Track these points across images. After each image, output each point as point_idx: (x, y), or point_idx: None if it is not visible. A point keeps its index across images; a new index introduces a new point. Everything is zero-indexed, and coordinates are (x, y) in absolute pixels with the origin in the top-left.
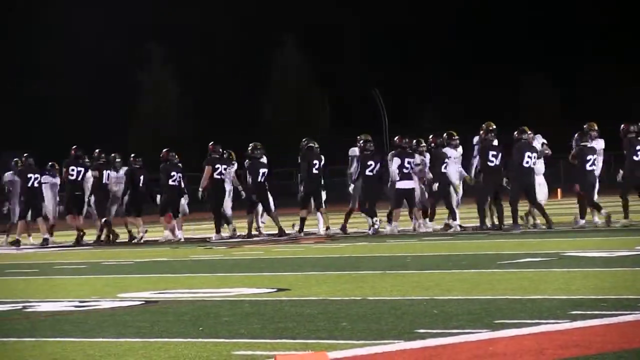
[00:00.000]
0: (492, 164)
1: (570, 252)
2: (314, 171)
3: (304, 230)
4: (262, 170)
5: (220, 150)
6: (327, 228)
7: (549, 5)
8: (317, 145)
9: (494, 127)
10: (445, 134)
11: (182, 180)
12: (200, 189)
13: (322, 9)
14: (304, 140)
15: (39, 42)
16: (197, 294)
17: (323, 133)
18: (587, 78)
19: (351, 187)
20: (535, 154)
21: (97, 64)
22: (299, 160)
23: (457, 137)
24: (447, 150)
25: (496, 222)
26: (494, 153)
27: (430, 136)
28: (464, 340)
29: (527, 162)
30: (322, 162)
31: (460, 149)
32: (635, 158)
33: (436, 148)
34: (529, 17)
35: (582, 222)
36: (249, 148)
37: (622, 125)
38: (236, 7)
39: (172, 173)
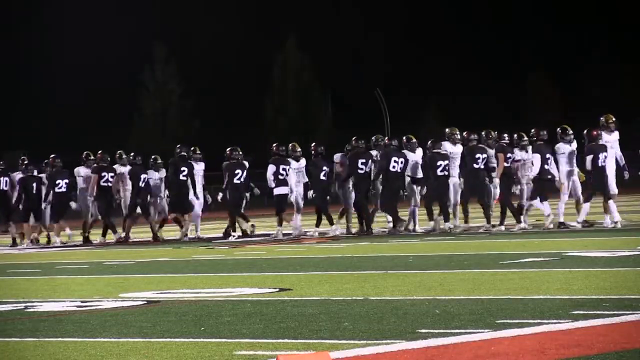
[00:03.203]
0: (361, 172)
1: (572, 252)
2: (182, 177)
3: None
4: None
5: (108, 158)
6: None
7: (550, 5)
8: (187, 154)
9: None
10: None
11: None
12: (90, 197)
13: (322, 8)
14: (177, 147)
15: (41, 41)
16: (199, 294)
17: (325, 133)
18: (589, 78)
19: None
20: (402, 159)
21: (101, 64)
22: (169, 167)
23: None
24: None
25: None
26: (363, 161)
27: (313, 144)
28: (466, 340)
29: (394, 167)
30: (193, 168)
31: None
32: (475, 166)
33: (316, 156)
34: (531, 16)
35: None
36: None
37: (464, 133)
38: (238, 7)
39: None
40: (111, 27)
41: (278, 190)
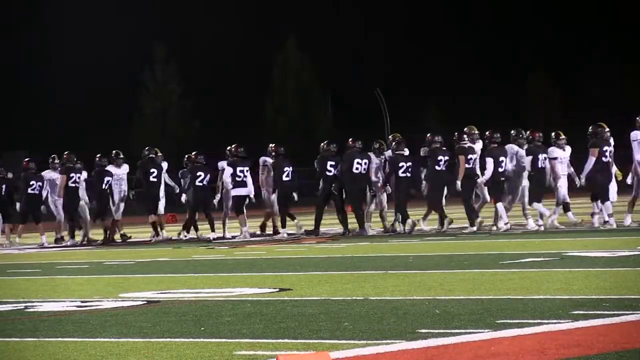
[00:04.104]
0: (329, 173)
1: (572, 252)
2: (152, 179)
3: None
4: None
5: (75, 159)
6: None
7: (550, 5)
8: (160, 154)
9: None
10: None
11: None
12: (58, 198)
13: (322, 8)
14: (146, 149)
15: (41, 41)
16: (199, 294)
17: (325, 133)
18: (589, 78)
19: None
20: (366, 160)
21: (101, 64)
22: (138, 169)
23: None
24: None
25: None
26: (332, 163)
27: (271, 145)
28: (466, 340)
29: (357, 169)
30: (164, 169)
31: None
32: (437, 168)
33: (277, 157)
34: (531, 16)
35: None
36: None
37: (428, 135)
38: (238, 7)
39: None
40: (111, 27)
41: (236, 192)
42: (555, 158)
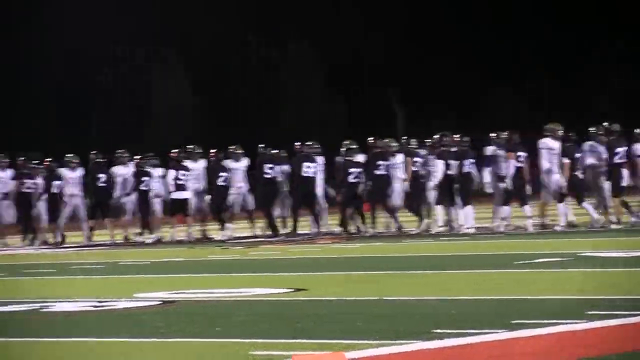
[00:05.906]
0: (268, 176)
1: (586, 252)
2: (100, 184)
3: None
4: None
5: (30, 165)
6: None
7: (550, 5)
8: (103, 160)
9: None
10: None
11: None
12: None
13: (330, 10)
14: (92, 153)
15: (41, 41)
16: (213, 294)
17: (337, 134)
18: (589, 78)
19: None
20: (315, 164)
21: (110, 64)
22: (87, 174)
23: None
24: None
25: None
26: (270, 166)
27: (212, 151)
28: (481, 341)
29: (306, 172)
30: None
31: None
32: (376, 172)
33: (216, 162)
34: (531, 16)
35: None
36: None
37: (370, 140)
38: (245, 8)
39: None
40: (122, 27)
41: (176, 195)
42: (639, 156)
